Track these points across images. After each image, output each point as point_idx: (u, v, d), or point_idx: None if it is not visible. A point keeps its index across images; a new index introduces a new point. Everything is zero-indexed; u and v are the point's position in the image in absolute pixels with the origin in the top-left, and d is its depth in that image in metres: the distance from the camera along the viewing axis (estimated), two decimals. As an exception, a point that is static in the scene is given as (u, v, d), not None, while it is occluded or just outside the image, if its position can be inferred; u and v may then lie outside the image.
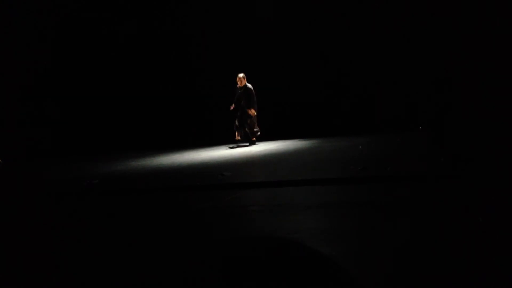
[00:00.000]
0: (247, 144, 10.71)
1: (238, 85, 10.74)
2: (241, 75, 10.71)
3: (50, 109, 13.61)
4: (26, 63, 13.49)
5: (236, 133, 10.85)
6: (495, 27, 10.13)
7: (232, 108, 10.69)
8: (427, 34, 10.85)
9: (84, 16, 13.38)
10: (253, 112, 10.51)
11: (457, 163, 5.43)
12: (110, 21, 13.27)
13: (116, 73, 13.43)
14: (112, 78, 13.47)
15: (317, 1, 11.85)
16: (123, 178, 7.06)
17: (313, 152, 8.15)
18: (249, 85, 10.68)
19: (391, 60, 11.30)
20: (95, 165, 9.21)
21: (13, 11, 13.27)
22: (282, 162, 7.10)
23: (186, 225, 4.14)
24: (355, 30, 11.55)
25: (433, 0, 10.72)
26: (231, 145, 10.75)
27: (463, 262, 2.56)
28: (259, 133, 10.78)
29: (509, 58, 10.06)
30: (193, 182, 5.91)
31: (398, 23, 11.06)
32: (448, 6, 10.54)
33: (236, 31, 12.28)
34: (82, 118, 13.69)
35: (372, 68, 11.51)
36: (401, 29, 11.07)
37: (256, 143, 10.76)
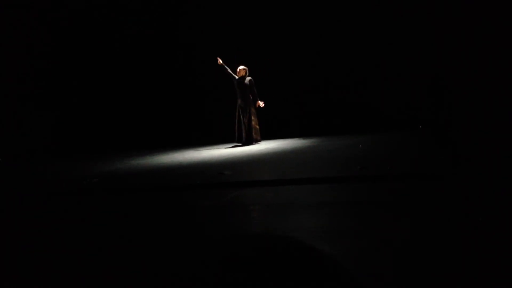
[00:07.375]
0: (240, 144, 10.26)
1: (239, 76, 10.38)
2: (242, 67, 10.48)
3: (51, 108, 13.60)
4: (26, 62, 13.47)
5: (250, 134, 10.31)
6: (494, 26, 10.12)
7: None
8: (427, 33, 10.83)
9: (84, 14, 13.37)
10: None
11: (457, 162, 5.43)
12: (111, 19, 13.26)
13: (118, 72, 13.42)
14: (114, 76, 13.46)
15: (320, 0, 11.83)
16: (123, 177, 7.04)
17: (313, 151, 8.14)
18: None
19: (390, 59, 11.29)
20: (95, 164, 9.20)
21: (13, 9, 13.25)
22: (282, 161, 7.09)
23: (185, 223, 4.14)
24: (355, 29, 11.53)
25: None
26: (234, 144, 10.48)
27: (463, 262, 2.56)
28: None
29: (509, 56, 10.05)
30: (193, 180, 5.91)
31: (397, 21, 11.05)
32: (448, 5, 10.52)
33: (236, 30, 12.27)
34: (83, 117, 13.68)
35: (372, 67, 11.50)
36: (400, 27, 11.06)
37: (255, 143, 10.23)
